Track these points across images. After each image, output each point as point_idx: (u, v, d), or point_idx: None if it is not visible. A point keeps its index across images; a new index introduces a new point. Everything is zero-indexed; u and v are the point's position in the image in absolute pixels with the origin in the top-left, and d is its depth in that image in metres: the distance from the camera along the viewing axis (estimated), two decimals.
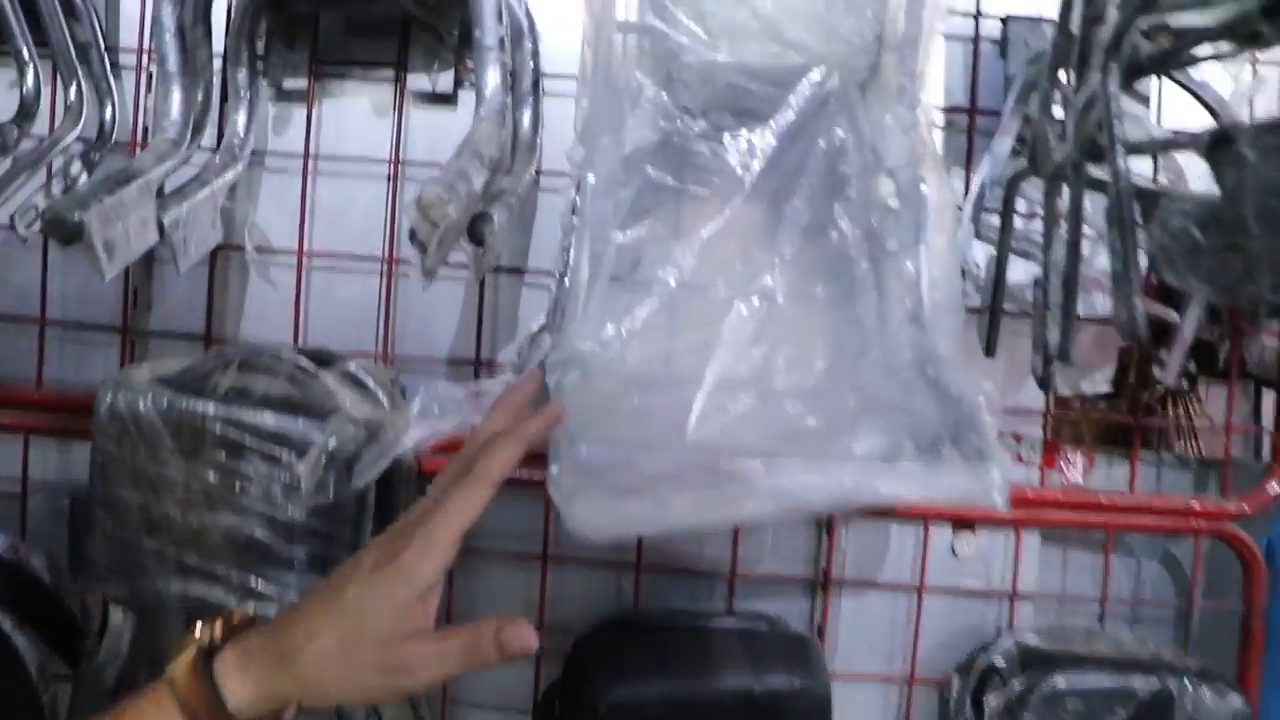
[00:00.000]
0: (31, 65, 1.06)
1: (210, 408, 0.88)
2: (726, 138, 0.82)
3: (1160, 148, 0.93)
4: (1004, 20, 1.09)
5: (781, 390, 0.78)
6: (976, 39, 1.11)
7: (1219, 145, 0.71)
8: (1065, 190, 0.86)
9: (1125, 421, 1.19)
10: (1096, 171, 0.83)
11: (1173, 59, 0.79)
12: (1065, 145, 0.87)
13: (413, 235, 0.79)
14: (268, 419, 0.86)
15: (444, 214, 0.75)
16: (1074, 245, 0.83)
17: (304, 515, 0.86)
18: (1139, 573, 1.22)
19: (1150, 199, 0.78)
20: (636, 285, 0.82)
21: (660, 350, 0.79)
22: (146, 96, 1.15)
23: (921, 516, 1.10)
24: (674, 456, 0.71)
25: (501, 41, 0.93)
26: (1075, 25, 0.83)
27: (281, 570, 0.87)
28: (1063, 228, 0.87)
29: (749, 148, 0.82)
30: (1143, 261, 0.78)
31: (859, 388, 0.79)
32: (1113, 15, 0.76)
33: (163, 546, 0.90)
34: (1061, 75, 0.87)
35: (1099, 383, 1.22)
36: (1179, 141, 0.82)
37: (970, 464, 0.72)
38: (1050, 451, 1.14)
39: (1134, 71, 0.75)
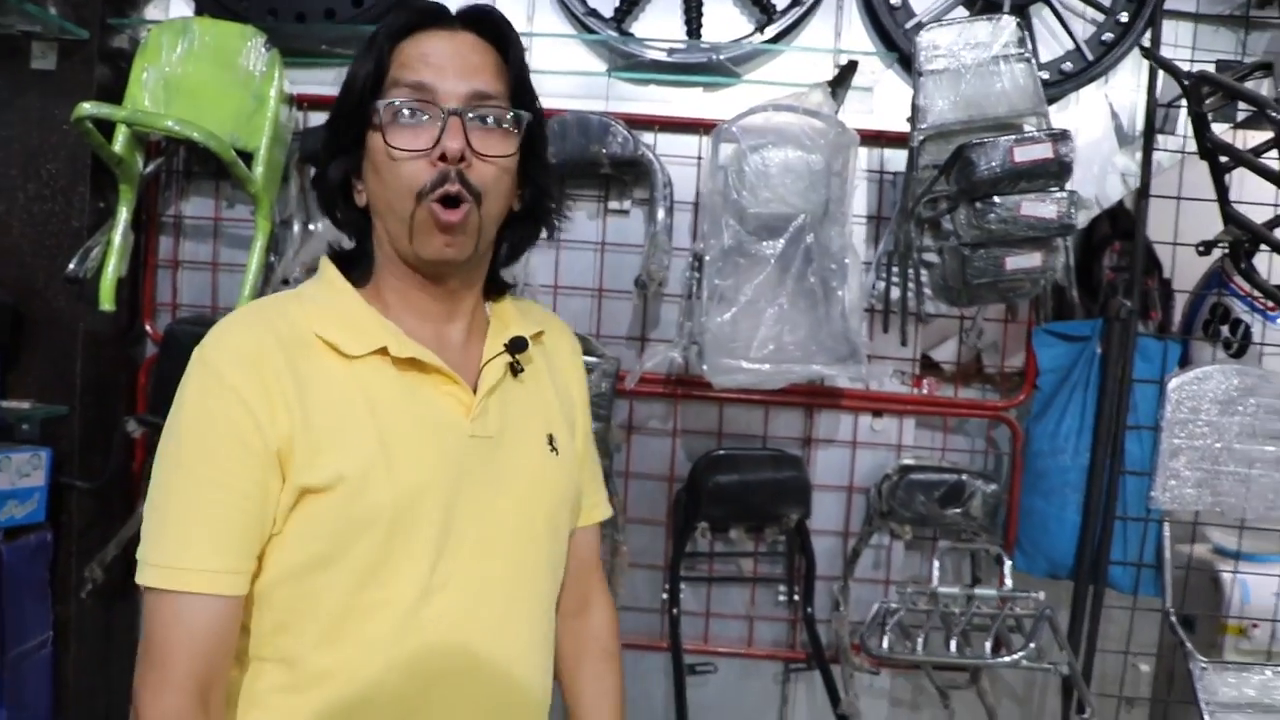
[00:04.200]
0: None
1: None
2: (765, 242, 2.18)
3: (932, 250, 2.27)
4: (894, 174, 2.45)
5: (788, 341, 2.15)
6: (881, 180, 2.46)
7: (944, 246, 2.10)
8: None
9: (944, 365, 2.57)
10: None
11: (941, 215, 2.15)
12: (901, 244, 2.24)
13: (639, 283, 2.17)
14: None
15: (661, 277, 2.13)
16: (903, 288, 2.21)
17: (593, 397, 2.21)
18: (971, 437, 2.59)
19: (929, 266, 2.16)
20: (727, 301, 2.18)
21: (741, 326, 2.15)
22: None
23: (855, 409, 2.48)
24: (748, 363, 2.09)
25: (663, 195, 2.30)
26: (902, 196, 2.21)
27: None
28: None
29: (773, 245, 2.18)
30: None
31: (818, 340, 2.16)
32: (910, 202, 2.14)
33: None
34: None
35: (947, 353, 2.59)
36: (940, 247, 2.19)
37: (856, 365, 2.10)
38: (917, 378, 2.51)
39: (919, 223, 2.12)
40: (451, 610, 1.26)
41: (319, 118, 2.43)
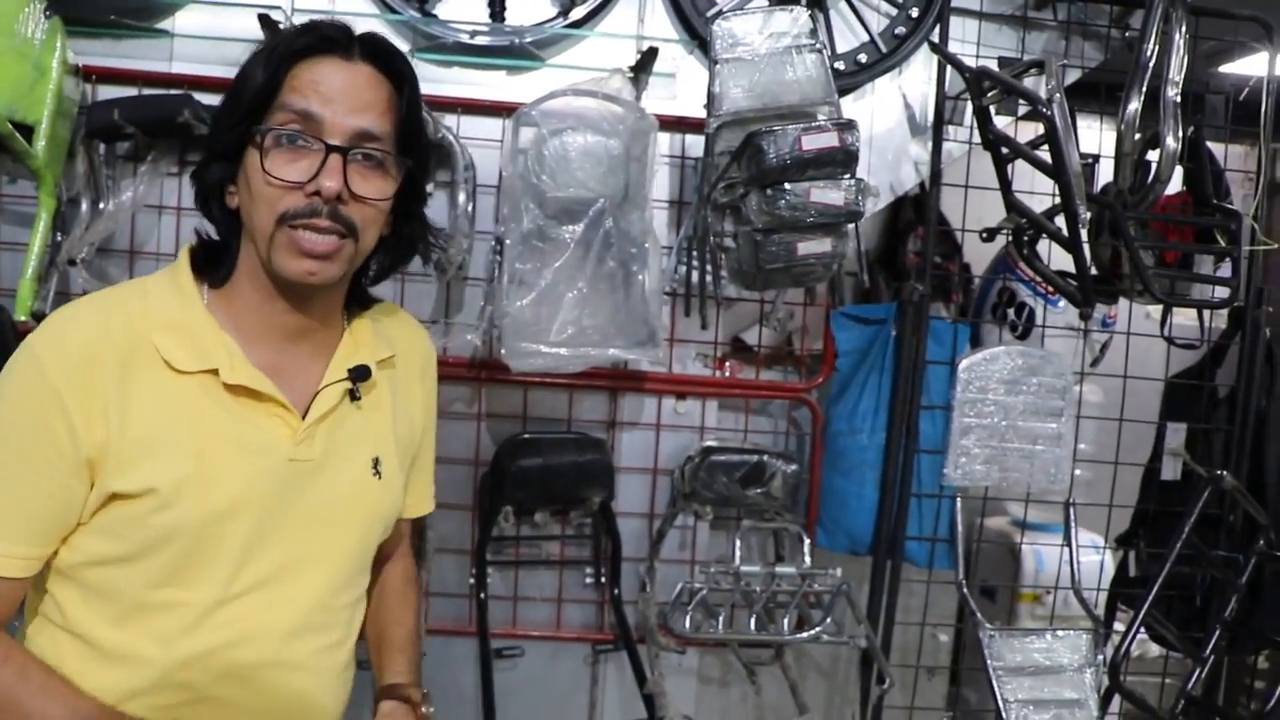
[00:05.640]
0: None
1: None
2: (566, 226, 2.21)
3: (729, 235, 2.34)
4: (695, 159, 2.51)
5: (587, 325, 2.19)
6: (683, 165, 2.52)
7: (739, 231, 2.17)
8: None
9: (754, 349, 2.66)
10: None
11: (737, 201, 2.22)
12: (700, 229, 2.30)
13: (438, 266, 2.18)
14: None
15: (459, 261, 2.15)
16: (702, 272, 2.27)
17: None
18: (774, 418, 2.68)
19: (726, 251, 2.23)
20: (527, 285, 2.21)
21: (541, 310, 2.18)
22: None
23: (658, 392, 2.54)
24: (546, 347, 2.12)
25: (465, 178, 2.31)
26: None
27: None
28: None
29: (573, 230, 2.21)
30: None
31: (617, 324, 2.21)
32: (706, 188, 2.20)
33: None
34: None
35: (752, 337, 2.68)
36: (735, 232, 2.26)
37: (654, 349, 2.16)
38: (720, 361, 2.59)
39: (716, 209, 2.19)
40: (243, 618, 1.33)
41: (108, 91, 2.34)
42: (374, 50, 1.36)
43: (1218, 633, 2.37)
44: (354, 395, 1.43)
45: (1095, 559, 2.90)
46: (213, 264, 1.40)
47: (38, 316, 2.17)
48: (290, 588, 1.37)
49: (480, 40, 2.38)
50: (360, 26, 2.30)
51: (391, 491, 1.50)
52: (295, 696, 1.39)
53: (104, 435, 1.25)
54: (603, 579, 2.56)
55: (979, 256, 3.00)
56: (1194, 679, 2.32)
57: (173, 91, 2.33)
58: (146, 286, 1.39)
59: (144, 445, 1.27)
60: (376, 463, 1.46)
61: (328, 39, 1.33)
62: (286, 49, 1.32)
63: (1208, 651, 2.35)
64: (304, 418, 1.38)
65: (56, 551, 1.31)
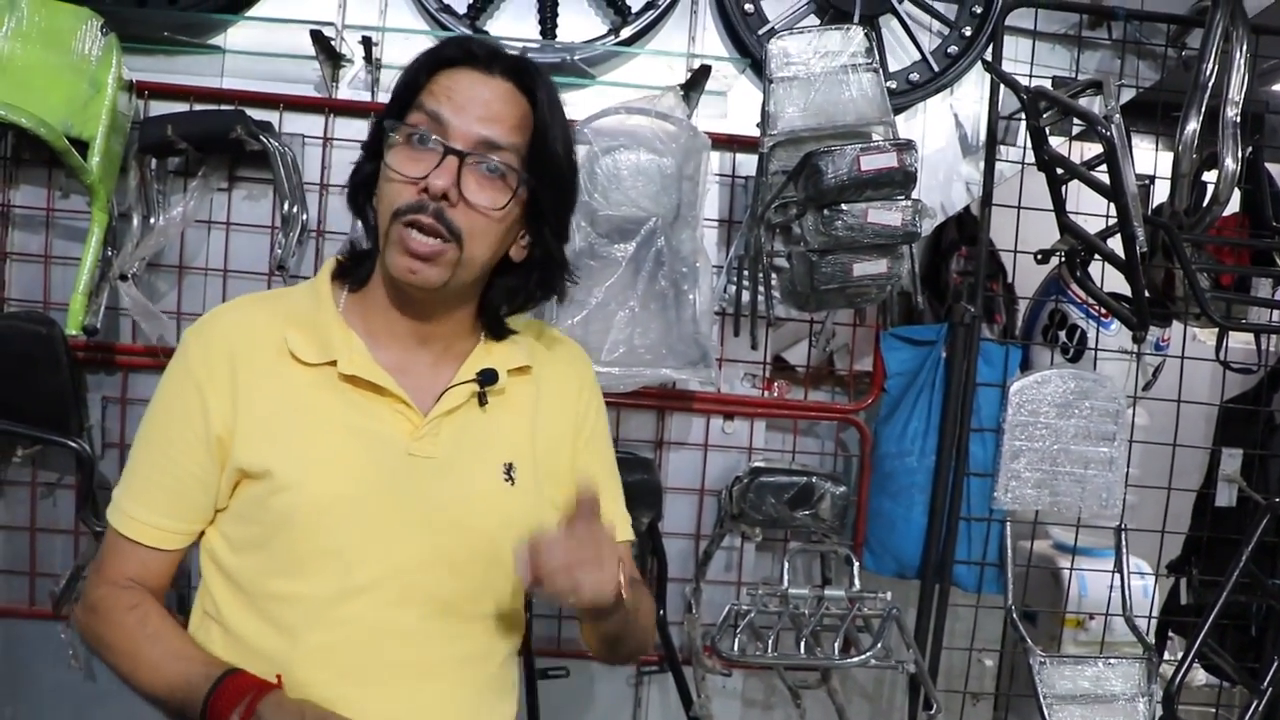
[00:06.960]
0: None
1: None
2: (617, 245, 2.20)
3: (782, 255, 2.32)
4: (746, 178, 2.49)
5: (638, 345, 2.17)
6: (733, 184, 2.51)
7: (793, 252, 2.14)
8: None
9: (797, 369, 2.63)
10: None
11: (790, 220, 2.20)
12: (752, 249, 2.28)
13: None
14: None
15: None
16: (754, 292, 2.25)
17: None
18: (821, 439, 2.65)
19: (779, 271, 2.20)
20: (578, 304, 2.19)
21: (591, 329, 2.16)
22: None
23: (706, 411, 2.51)
24: (598, 366, 2.10)
25: None
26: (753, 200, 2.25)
27: None
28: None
29: (625, 248, 2.20)
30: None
31: (668, 344, 2.19)
32: (760, 208, 2.18)
33: None
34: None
35: (798, 356, 2.66)
36: (789, 253, 2.23)
37: (706, 369, 2.13)
38: (768, 381, 2.56)
39: (769, 228, 2.17)
40: (363, 615, 1.35)
41: (161, 107, 2.35)
42: (516, 69, 1.39)
43: (1276, 664, 2.31)
44: (482, 399, 1.44)
45: (1141, 584, 2.85)
46: (356, 264, 1.47)
47: (89, 330, 2.18)
48: (414, 588, 1.37)
49: (532, 57, 2.36)
50: (412, 43, 2.38)
51: (527, 500, 1.46)
52: (429, 707, 1.39)
53: (232, 417, 1.35)
54: None
55: (1023, 277, 2.97)
56: (1251, 711, 2.26)
57: (224, 107, 2.33)
58: (289, 291, 1.52)
59: (266, 428, 1.35)
60: (509, 469, 1.45)
61: (470, 53, 1.38)
62: (434, 57, 1.38)
63: (1266, 683, 2.29)
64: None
65: (203, 533, 1.41)
